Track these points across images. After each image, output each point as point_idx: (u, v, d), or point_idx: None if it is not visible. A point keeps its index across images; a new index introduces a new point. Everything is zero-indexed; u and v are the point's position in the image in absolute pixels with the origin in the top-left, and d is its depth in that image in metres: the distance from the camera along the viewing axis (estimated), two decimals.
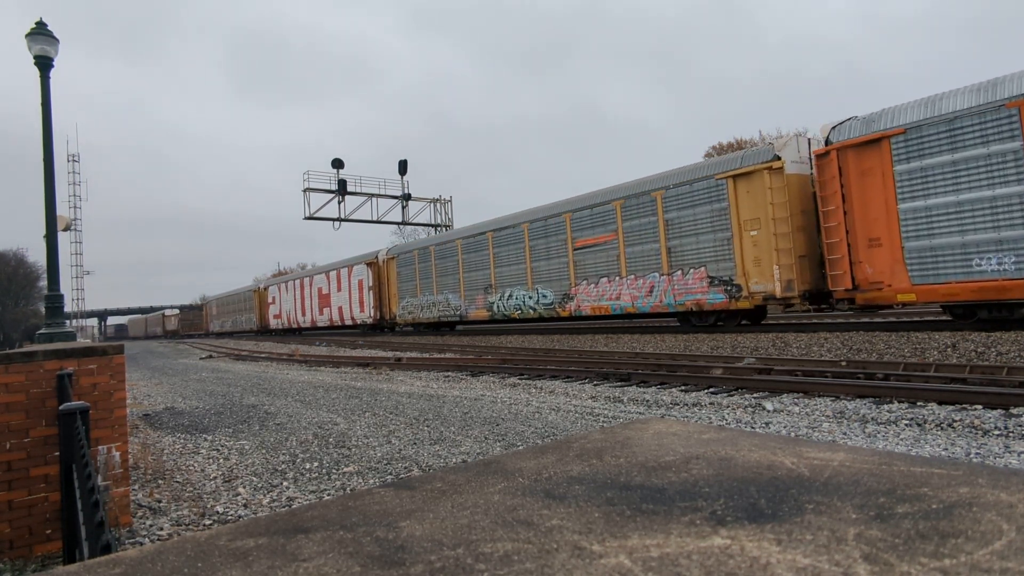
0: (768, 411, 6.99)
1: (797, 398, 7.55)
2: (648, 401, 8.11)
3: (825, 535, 0.59)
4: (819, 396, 7.54)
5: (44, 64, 8.28)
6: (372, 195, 35.85)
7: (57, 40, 8.49)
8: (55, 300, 8.34)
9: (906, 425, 5.91)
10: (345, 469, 5.54)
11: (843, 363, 9.40)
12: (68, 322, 9.93)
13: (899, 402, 6.83)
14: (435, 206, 39.18)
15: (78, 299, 49.31)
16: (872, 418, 6.23)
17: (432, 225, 40.02)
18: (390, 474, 5.30)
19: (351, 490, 4.89)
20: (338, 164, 34.29)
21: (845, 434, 5.74)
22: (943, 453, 4.95)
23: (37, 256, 62.00)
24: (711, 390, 8.57)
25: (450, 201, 39.53)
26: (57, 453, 4.07)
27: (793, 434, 5.90)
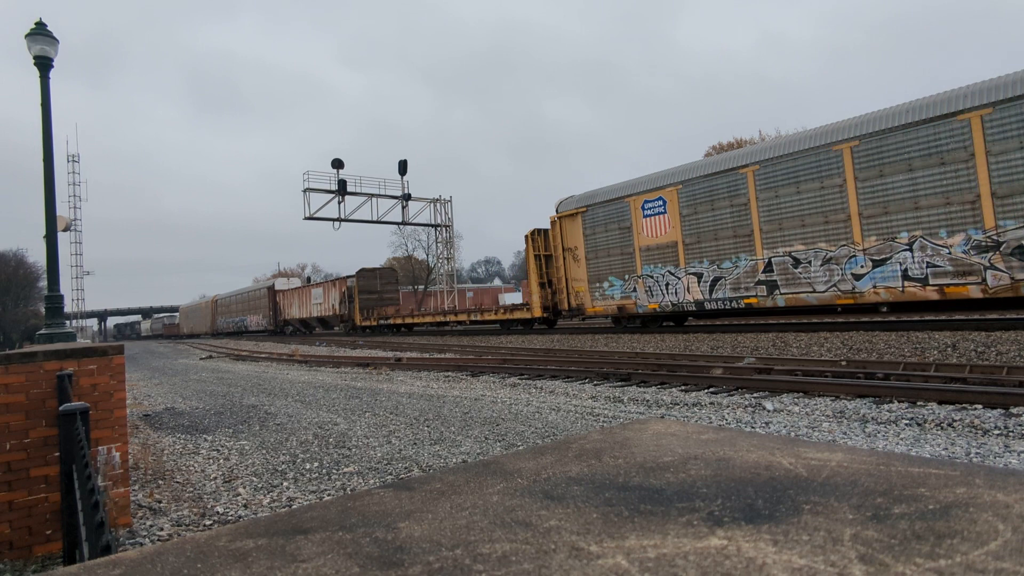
0: (768, 411, 6.99)
1: (797, 398, 7.56)
2: (648, 401, 8.11)
3: (821, 536, 0.59)
4: (819, 396, 7.54)
5: (44, 64, 8.29)
6: (372, 195, 35.85)
7: (56, 40, 8.49)
8: (55, 300, 8.35)
9: (906, 425, 5.91)
10: (345, 469, 5.55)
11: (843, 363, 9.40)
12: (68, 322, 9.92)
13: (899, 402, 6.83)
14: (435, 206, 39.19)
15: (78, 299, 49.37)
16: (872, 418, 6.24)
17: (432, 225, 40.03)
18: (390, 474, 5.30)
19: (351, 490, 4.90)
20: (338, 164, 34.28)
21: (845, 434, 5.74)
22: (943, 453, 4.95)
23: (37, 256, 62.00)
24: (711, 390, 8.57)
25: (450, 201, 39.53)
26: (57, 454, 4.08)
27: (793, 434, 5.90)
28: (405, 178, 36.81)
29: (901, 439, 5.44)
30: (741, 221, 15.67)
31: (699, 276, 16.62)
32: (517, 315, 24.44)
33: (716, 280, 16.20)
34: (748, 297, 15.44)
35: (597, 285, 19.65)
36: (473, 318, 27.77)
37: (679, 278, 17.12)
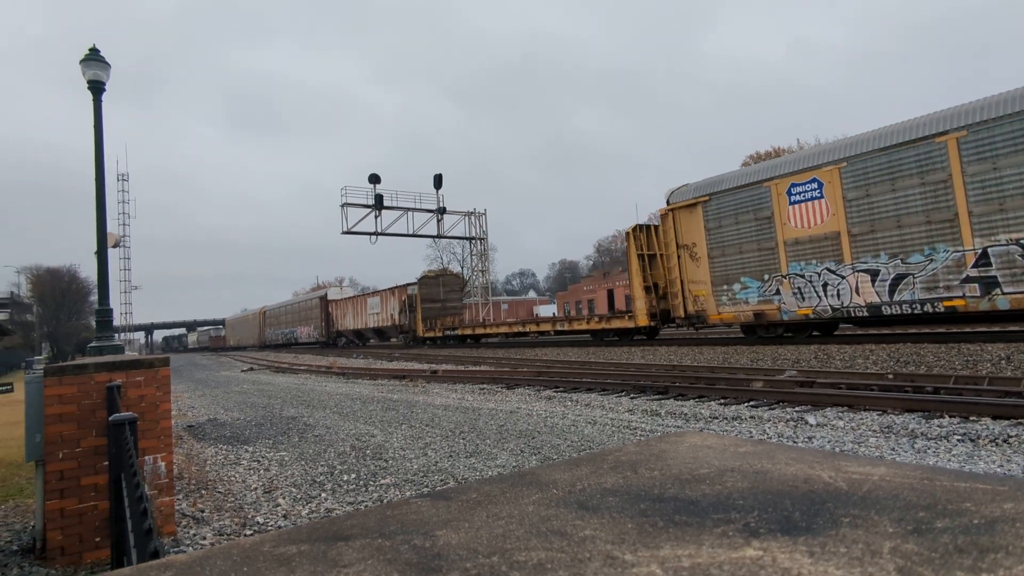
0: (811, 425, 6.82)
1: (841, 412, 7.35)
2: (686, 415, 8.00)
3: (860, 548, 0.59)
4: (865, 410, 7.32)
5: (96, 88, 8.66)
6: (408, 209, 36.32)
7: (108, 65, 8.87)
8: (105, 314, 8.64)
9: (958, 440, 5.69)
10: (382, 481, 5.60)
11: (890, 375, 9.12)
12: (116, 335, 10.25)
13: (950, 416, 6.60)
14: (469, 219, 39.48)
15: (126, 313, 50.94)
16: (922, 433, 6.03)
17: (467, 238, 40.32)
18: (426, 487, 5.33)
19: (388, 502, 4.94)
20: (375, 179, 34.86)
21: (893, 449, 5.56)
22: (998, 470, 4.76)
23: (88, 272, 64.37)
24: (751, 403, 8.40)
25: (484, 214, 39.77)
26: (106, 463, 4.21)
27: (838, 449, 5.74)
28: (440, 191, 37.22)
29: (953, 455, 5.24)
30: (939, 203, 12.45)
31: (873, 273, 13.46)
32: (615, 324, 21.21)
33: (900, 278, 13.03)
34: (951, 299, 12.30)
35: (724, 288, 16.59)
36: (559, 328, 24.88)
37: (843, 276, 14.05)
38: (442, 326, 32.28)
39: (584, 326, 23.12)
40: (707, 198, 17.07)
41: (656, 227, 19.49)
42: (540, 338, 27.96)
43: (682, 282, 17.78)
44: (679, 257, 17.85)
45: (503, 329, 28.59)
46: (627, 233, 19.77)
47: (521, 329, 27.39)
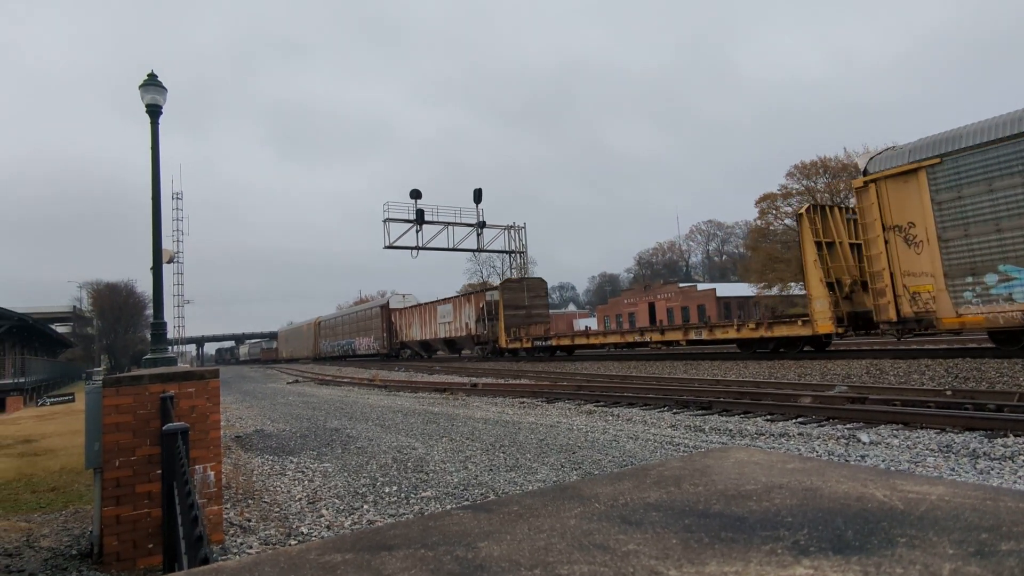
0: (864, 443, 6.58)
1: (896, 430, 7.08)
2: (731, 431, 7.81)
3: (917, 569, 0.56)
4: (922, 428, 7.03)
5: (154, 111, 9.06)
6: (448, 223, 36.71)
7: (165, 90, 9.27)
8: (159, 328, 8.97)
9: None
10: (423, 494, 5.62)
11: (948, 392, 8.74)
12: (169, 348, 10.60)
13: (1015, 435, 6.28)
14: (509, 233, 39.64)
15: (179, 326, 52.73)
16: (984, 453, 5.75)
17: (507, 252, 40.48)
18: (467, 499, 5.33)
19: (429, 513, 4.96)
20: (416, 194, 35.38)
21: (953, 470, 5.32)
22: None
23: (144, 287, 67.00)
24: (799, 420, 8.16)
25: (523, 228, 39.88)
26: (159, 471, 4.35)
27: (894, 468, 5.52)
28: (480, 206, 37.52)
29: (1020, 477, 4.98)
30: None
31: None
32: (781, 332, 16.43)
33: None
34: None
35: (968, 281, 12.21)
36: (693, 336, 19.63)
37: None
38: (528, 335, 28.46)
39: (732, 334, 18.06)
40: (936, 160, 12.68)
41: (832, 207, 16.15)
42: (667, 348, 22.60)
43: (891, 274, 13.56)
44: (886, 242, 13.64)
45: (613, 339, 24.18)
46: (800, 215, 15.91)
47: (638, 339, 22.40)
